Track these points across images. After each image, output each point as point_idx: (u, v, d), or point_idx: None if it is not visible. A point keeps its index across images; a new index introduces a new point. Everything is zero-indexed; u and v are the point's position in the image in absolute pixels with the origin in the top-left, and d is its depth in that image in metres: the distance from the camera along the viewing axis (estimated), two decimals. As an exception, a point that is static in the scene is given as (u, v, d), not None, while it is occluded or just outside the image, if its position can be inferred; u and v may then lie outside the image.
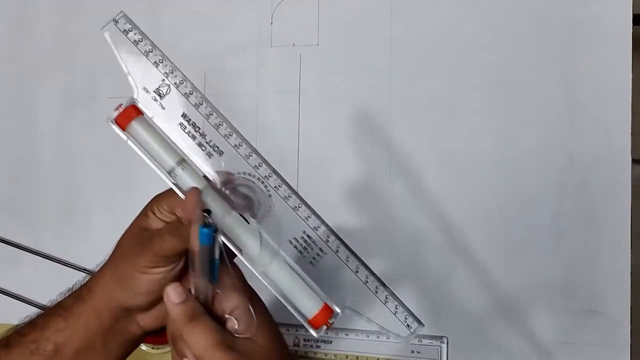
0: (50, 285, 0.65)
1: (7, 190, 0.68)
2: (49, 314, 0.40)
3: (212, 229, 0.36)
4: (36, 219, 0.67)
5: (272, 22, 0.61)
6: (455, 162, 0.55)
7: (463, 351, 0.55)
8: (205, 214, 0.36)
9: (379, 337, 0.57)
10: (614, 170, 0.52)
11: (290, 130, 0.59)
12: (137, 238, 0.41)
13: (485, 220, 0.54)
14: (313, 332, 0.39)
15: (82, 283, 0.42)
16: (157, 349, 0.62)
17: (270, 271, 0.39)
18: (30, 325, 0.40)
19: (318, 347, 0.58)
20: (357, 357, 0.57)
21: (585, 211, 0.52)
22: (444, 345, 0.55)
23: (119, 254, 0.41)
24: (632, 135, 0.51)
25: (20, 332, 0.39)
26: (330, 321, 0.40)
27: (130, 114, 0.40)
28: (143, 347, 0.62)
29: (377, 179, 0.57)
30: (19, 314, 0.65)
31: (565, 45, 0.53)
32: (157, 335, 0.60)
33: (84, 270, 0.65)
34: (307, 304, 0.40)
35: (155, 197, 0.42)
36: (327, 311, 0.40)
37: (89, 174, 0.66)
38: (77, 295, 0.41)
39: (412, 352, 0.56)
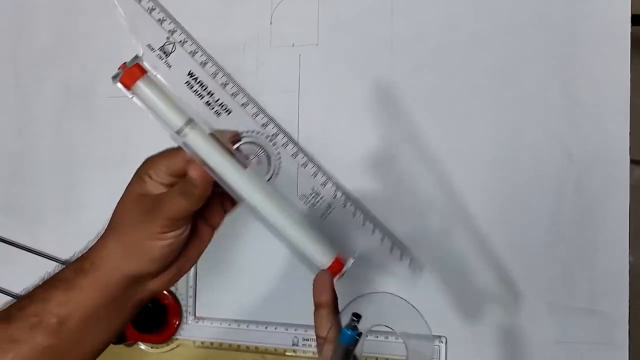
0: (49, 284, 0.65)
1: (4, 188, 0.68)
2: (48, 286, 0.39)
3: (357, 333, 0.37)
4: (34, 218, 0.67)
5: (271, 22, 0.61)
6: (454, 161, 0.55)
7: (462, 351, 0.55)
8: (355, 319, 0.38)
9: (377, 337, 0.57)
10: (612, 169, 0.52)
11: (289, 131, 0.59)
12: (139, 205, 0.40)
13: (483, 219, 0.55)
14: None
15: (82, 256, 0.40)
16: (157, 348, 0.62)
17: (284, 227, 0.40)
18: (29, 298, 0.38)
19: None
20: (355, 356, 0.57)
21: (583, 210, 0.53)
22: (443, 345, 0.55)
23: (121, 223, 0.40)
24: (630, 135, 0.52)
25: (19, 306, 0.38)
26: (344, 270, 0.41)
27: (135, 73, 0.38)
28: (142, 346, 0.62)
29: (378, 178, 0.57)
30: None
31: (563, 45, 0.53)
32: (156, 333, 0.61)
33: (82, 269, 0.64)
34: (321, 256, 0.41)
35: (148, 160, 0.42)
36: (340, 262, 0.41)
37: (87, 173, 0.66)
38: (78, 269, 0.39)
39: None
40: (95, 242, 0.41)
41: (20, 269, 0.67)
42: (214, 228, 0.44)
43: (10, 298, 0.66)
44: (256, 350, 0.60)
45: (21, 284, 0.66)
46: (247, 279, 0.61)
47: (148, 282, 0.41)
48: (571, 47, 0.53)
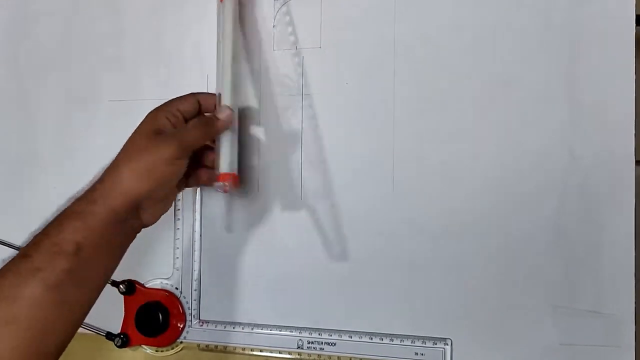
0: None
1: (7, 191, 0.68)
2: (61, 220, 0.43)
3: None
4: (36, 221, 0.67)
5: (274, 26, 0.61)
6: (458, 161, 0.55)
7: (467, 353, 0.55)
8: None
9: (382, 340, 0.56)
10: (617, 170, 0.52)
11: (293, 134, 0.59)
12: (153, 136, 0.47)
13: (487, 220, 0.54)
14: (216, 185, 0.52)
15: (90, 188, 0.46)
16: (161, 351, 0.62)
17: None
18: (44, 234, 0.43)
19: (322, 349, 0.58)
20: (361, 359, 0.57)
21: (588, 211, 0.52)
22: (448, 347, 0.55)
23: (135, 150, 0.46)
24: (635, 136, 0.51)
25: (36, 243, 0.42)
26: (226, 183, 0.51)
27: None
28: (147, 350, 0.62)
29: (379, 181, 0.57)
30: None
31: (567, 45, 0.53)
32: (160, 336, 0.61)
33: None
34: (224, 165, 0.52)
35: (162, 105, 0.51)
36: (233, 177, 0.53)
37: (89, 176, 0.65)
38: (89, 200, 0.45)
39: (416, 354, 0.56)
40: (102, 174, 0.47)
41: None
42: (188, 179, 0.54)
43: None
44: (261, 353, 0.60)
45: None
46: (251, 282, 0.61)
47: (142, 210, 0.47)
48: (575, 46, 0.53)
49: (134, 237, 0.49)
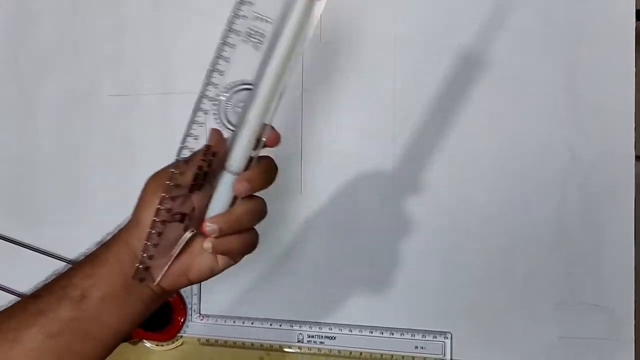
0: (52, 282, 0.66)
1: (8, 189, 0.68)
2: (77, 264, 0.41)
3: None
4: (37, 217, 0.67)
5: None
6: (458, 158, 0.55)
7: (467, 346, 0.55)
8: None
9: (382, 334, 0.57)
10: (617, 167, 0.52)
11: (293, 128, 0.59)
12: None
13: (488, 216, 0.55)
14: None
15: (115, 231, 0.42)
16: (162, 346, 0.62)
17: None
18: (58, 277, 0.40)
19: (322, 343, 0.58)
20: (361, 353, 0.57)
21: (588, 207, 0.53)
22: (448, 341, 0.55)
23: (140, 198, 0.41)
24: (635, 131, 0.52)
25: (48, 283, 0.40)
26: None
27: None
28: (147, 344, 0.62)
29: (381, 176, 0.57)
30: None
31: (567, 41, 0.53)
32: (161, 331, 0.61)
33: (86, 267, 0.65)
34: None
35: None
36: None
37: (89, 172, 0.66)
38: (105, 243, 0.41)
39: (416, 347, 0.56)
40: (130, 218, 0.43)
41: (22, 268, 0.67)
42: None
43: (15, 296, 0.66)
44: (261, 347, 0.60)
45: (23, 282, 0.66)
46: (252, 276, 0.61)
47: (157, 272, 0.41)
48: (575, 42, 0.53)
49: (152, 305, 0.42)
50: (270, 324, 0.60)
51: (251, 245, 0.42)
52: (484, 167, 0.55)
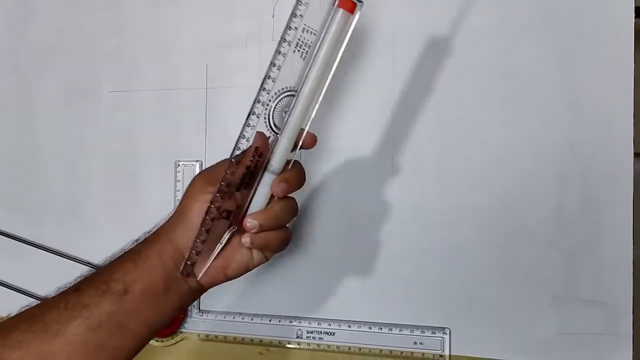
0: (52, 278, 0.65)
1: (8, 183, 0.68)
2: (118, 260, 0.42)
3: None
4: (38, 213, 0.67)
5: (273, 16, 0.61)
6: (457, 153, 0.55)
7: (466, 342, 0.55)
8: None
9: (381, 329, 0.57)
10: (616, 162, 0.52)
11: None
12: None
13: (487, 211, 0.55)
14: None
15: (156, 227, 0.44)
16: (162, 341, 0.62)
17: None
18: (98, 272, 0.42)
19: (321, 338, 0.58)
20: (360, 349, 0.57)
21: (587, 203, 0.53)
22: (447, 337, 0.55)
23: (188, 195, 0.43)
24: (634, 128, 0.52)
25: (89, 278, 0.41)
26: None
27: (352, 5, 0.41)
28: (147, 339, 0.62)
29: (380, 171, 0.57)
30: (21, 306, 0.65)
31: (567, 37, 0.53)
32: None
33: (85, 263, 0.65)
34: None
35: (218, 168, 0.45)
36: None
37: (90, 167, 0.66)
38: (146, 240, 0.43)
39: (415, 343, 0.56)
40: (171, 215, 0.44)
41: (24, 264, 0.67)
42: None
43: (17, 293, 0.67)
44: (260, 343, 0.60)
45: (25, 278, 0.67)
46: (251, 272, 0.60)
47: (199, 267, 0.43)
48: (574, 39, 0.53)
49: (188, 301, 0.44)
50: (270, 320, 0.60)
51: (285, 241, 0.45)
52: (484, 163, 0.55)
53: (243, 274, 0.45)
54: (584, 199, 0.53)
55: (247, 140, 0.43)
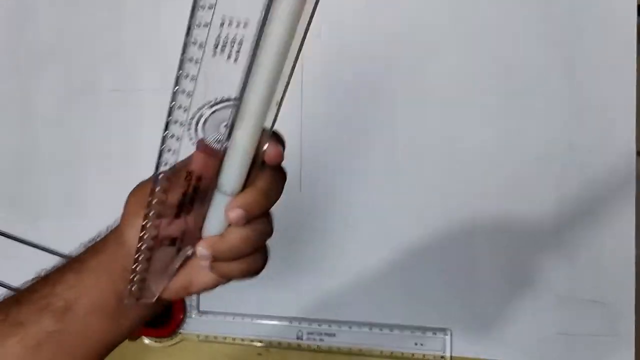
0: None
1: (7, 182, 0.68)
2: (63, 268, 0.36)
3: None
4: (36, 212, 0.67)
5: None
6: (458, 152, 0.55)
7: (467, 343, 0.55)
8: None
9: (382, 330, 0.57)
10: (617, 161, 0.52)
11: (292, 121, 0.59)
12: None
13: (489, 211, 0.54)
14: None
15: (101, 234, 0.38)
16: (161, 342, 0.62)
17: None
18: (43, 280, 0.36)
19: (322, 340, 0.58)
20: (361, 350, 0.57)
21: (588, 202, 0.53)
22: (448, 337, 0.55)
23: (123, 215, 0.37)
24: (636, 127, 0.51)
25: (31, 289, 0.36)
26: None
27: None
28: (146, 340, 0.62)
29: (381, 170, 0.57)
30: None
31: (569, 36, 0.53)
32: (160, 327, 0.61)
33: (85, 264, 0.64)
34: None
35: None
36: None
37: (89, 166, 0.66)
38: (92, 249, 0.37)
39: (416, 344, 0.56)
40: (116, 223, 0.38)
41: (21, 263, 0.66)
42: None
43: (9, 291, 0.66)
44: (260, 344, 0.60)
45: (23, 277, 0.66)
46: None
47: (156, 287, 0.37)
48: (576, 38, 0.53)
49: (151, 311, 0.38)
50: (270, 321, 0.60)
51: (253, 269, 0.37)
52: (484, 161, 0.55)
53: (214, 289, 0.38)
54: (585, 199, 0.52)
55: (173, 153, 0.34)
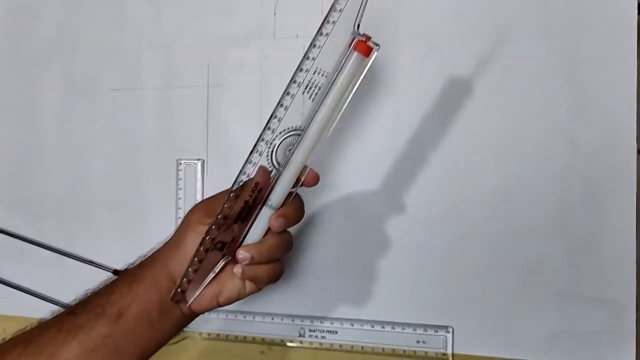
0: (54, 277, 0.66)
1: (10, 182, 0.68)
2: (115, 282, 0.43)
3: None
4: (39, 211, 0.67)
5: (275, 13, 0.60)
6: (460, 151, 0.55)
7: (469, 340, 0.55)
8: None
9: (384, 328, 0.57)
10: (618, 159, 0.52)
11: (295, 122, 0.59)
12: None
13: (489, 209, 0.54)
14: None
15: (153, 250, 0.45)
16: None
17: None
18: (95, 294, 0.42)
19: (324, 337, 0.58)
20: (362, 347, 0.57)
21: (590, 200, 0.52)
22: (449, 335, 0.55)
23: (185, 224, 0.44)
24: (637, 124, 0.51)
25: (85, 301, 0.42)
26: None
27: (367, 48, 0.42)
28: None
29: (381, 169, 0.57)
30: (23, 305, 0.65)
31: (569, 34, 0.53)
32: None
33: (87, 262, 0.65)
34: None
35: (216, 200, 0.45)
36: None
37: (91, 166, 0.66)
38: (142, 263, 0.44)
39: (418, 341, 0.56)
40: (168, 240, 0.45)
41: (25, 263, 0.67)
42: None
43: (17, 291, 0.66)
44: (262, 341, 0.60)
45: (26, 277, 0.67)
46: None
47: (190, 294, 0.44)
48: (577, 36, 0.53)
49: (181, 325, 0.45)
50: (272, 319, 0.60)
51: (276, 275, 0.45)
52: (486, 159, 0.55)
53: (235, 302, 0.45)
54: (586, 196, 0.53)
55: (247, 177, 0.43)
